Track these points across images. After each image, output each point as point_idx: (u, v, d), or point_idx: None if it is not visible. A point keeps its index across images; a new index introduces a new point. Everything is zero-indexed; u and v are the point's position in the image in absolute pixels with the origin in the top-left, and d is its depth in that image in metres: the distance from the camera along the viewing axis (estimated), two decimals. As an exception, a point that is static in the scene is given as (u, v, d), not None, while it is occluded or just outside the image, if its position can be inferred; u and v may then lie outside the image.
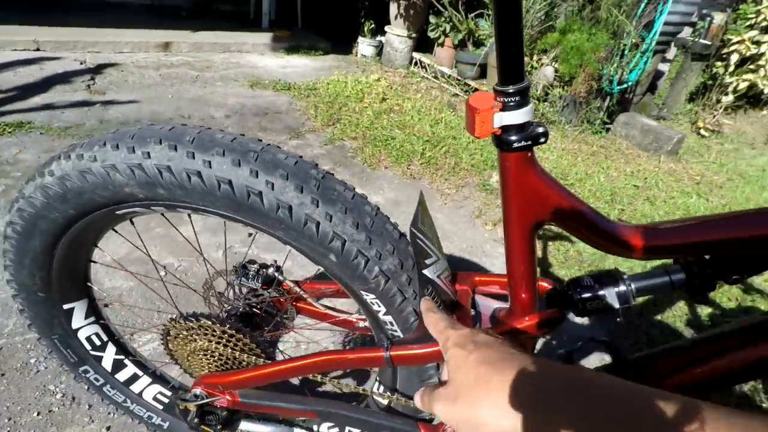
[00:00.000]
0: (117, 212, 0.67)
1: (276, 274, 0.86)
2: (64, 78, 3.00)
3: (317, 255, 0.62)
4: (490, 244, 2.10)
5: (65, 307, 0.83)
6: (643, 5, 3.16)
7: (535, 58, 3.53)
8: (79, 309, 0.86)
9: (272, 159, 0.60)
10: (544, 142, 0.53)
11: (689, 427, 0.26)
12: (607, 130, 3.56)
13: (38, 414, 1.14)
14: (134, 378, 0.98)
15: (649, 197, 2.66)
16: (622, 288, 0.60)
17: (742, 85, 3.84)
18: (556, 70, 3.42)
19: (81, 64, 3.27)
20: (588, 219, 0.56)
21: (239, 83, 3.54)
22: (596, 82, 3.29)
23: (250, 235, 1.86)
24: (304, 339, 1.30)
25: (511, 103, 0.50)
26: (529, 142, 0.52)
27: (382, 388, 0.82)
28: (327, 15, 5.14)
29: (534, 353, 0.73)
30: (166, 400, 1.00)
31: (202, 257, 0.81)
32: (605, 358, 1.43)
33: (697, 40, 3.71)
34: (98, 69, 3.27)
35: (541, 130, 0.52)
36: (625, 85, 3.38)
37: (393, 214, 2.28)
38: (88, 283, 0.85)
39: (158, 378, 1.01)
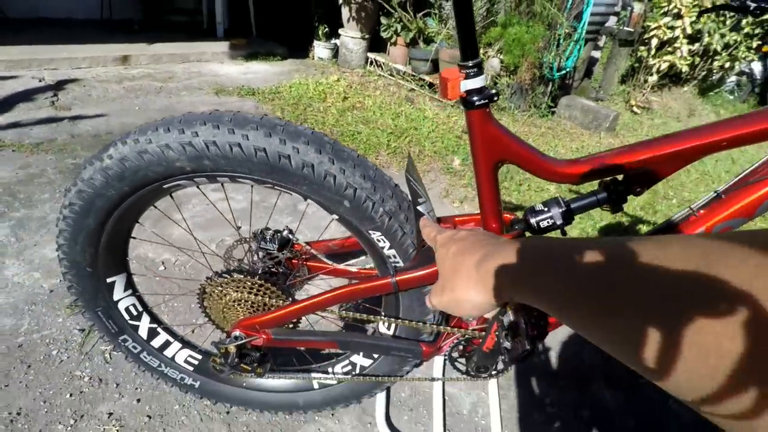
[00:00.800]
0: (164, 186, 0.82)
1: (290, 236, 1.03)
2: (26, 96, 2.98)
3: (334, 203, 0.80)
4: (458, 219, 2.33)
5: (108, 280, 0.97)
6: (572, -2, 3.51)
7: (481, 51, 3.81)
8: (119, 282, 0.99)
9: (294, 130, 0.77)
10: (497, 100, 0.73)
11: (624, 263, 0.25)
12: (553, 113, 3.90)
13: (71, 395, 1.24)
14: (167, 344, 1.11)
15: (593, 168, 2.98)
16: (564, 208, 0.82)
17: (664, 66, 4.30)
18: (502, 61, 3.72)
19: (40, 81, 3.24)
20: (535, 157, 0.77)
21: (204, 91, 3.61)
22: (538, 69, 3.61)
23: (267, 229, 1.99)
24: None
25: (471, 73, 0.70)
26: (486, 101, 0.72)
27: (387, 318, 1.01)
28: (280, 21, 5.25)
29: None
30: (196, 362, 1.14)
31: (235, 227, 0.96)
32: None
33: (621, 27, 4.13)
34: (59, 85, 3.26)
35: (493, 92, 0.73)
36: (564, 71, 3.73)
37: None
38: (127, 258, 0.98)
39: (187, 343, 1.14)
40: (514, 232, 0.85)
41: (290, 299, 0.94)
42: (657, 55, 4.32)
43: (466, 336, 0.94)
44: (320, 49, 4.89)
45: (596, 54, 4.73)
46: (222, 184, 0.85)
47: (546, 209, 0.82)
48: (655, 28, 4.16)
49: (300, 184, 0.78)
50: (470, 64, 0.69)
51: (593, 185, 0.84)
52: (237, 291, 0.93)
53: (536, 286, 0.32)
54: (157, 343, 1.09)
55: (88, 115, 2.86)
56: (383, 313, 1.00)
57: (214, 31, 5.02)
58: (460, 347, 0.98)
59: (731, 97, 5.39)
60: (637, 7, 3.97)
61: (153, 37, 4.47)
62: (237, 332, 0.91)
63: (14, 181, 2.09)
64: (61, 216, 0.85)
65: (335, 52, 4.89)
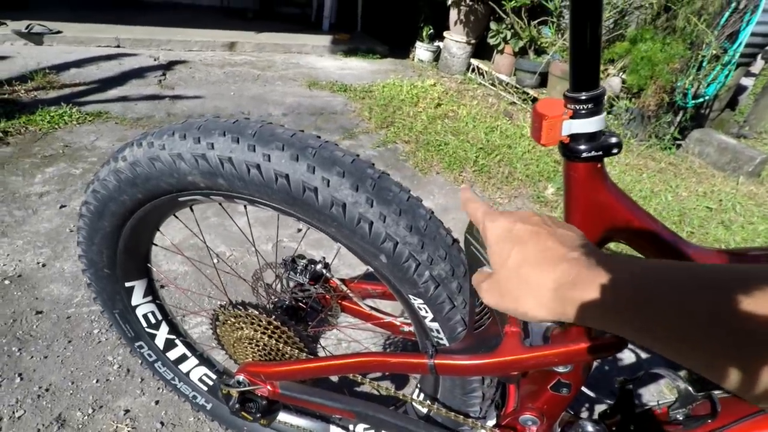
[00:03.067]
0: (179, 199, 0.70)
1: (324, 271, 0.87)
2: (139, 73, 3.23)
3: (368, 255, 0.62)
4: (540, 258, 2.02)
5: (127, 284, 0.88)
6: (727, 14, 2.92)
7: (601, 67, 3.36)
8: (138, 287, 0.90)
9: (330, 156, 0.60)
10: (617, 153, 0.49)
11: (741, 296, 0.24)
12: (678, 146, 3.33)
13: (97, 381, 1.22)
14: (183, 358, 1.02)
15: (724, 221, 2.45)
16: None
17: (840, 104, 3.46)
18: (624, 81, 3.24)
19: (155, 60, 3.51)
20: (662, 239, 0.51)
21: (298, 83, 3.64)
22: (668, 95, 3.08)
23: (299, 230, 1.90)
24: (346, 337, 1.31)
25: (583, 111, 0.47)
26: (600, 153, 0.49)
27: (422, 395, 0.80)
28: (386, 19, 5.19)
29: (586, 371, 0.68)
30: (211, 383, 1.04)
31: (254, 248, 0.83)
32: (666, 391, 1.32)
33: (788, 52, 3.39)
34: (169, 65, 3.49)
35: (614, 140, 0.49)
36: (701, 100, 3.14)
37: (442, 221, 2.24)
38: (148, 264, 0.90)
39: (205, 360, 1.05)
40: (608, 337, 0.60)
41: (308, 351, 0.78)
42: (831, 90, 3.49)
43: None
44: (421, 51, 4.73)
45: (746, 82, 3.96)
46: (244, 206, 0.71)
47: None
48: (835, 57, 3.35)
49: (327, 225, 0.61)
50: (583, 96, 0.46)
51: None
52: (250, 328, 0.79)
53: (639, 326, 0.29)
54: (173, 355, 1.01)
55: (187, 96, 3.01)
56: (417, 390, 0.80)
57: (320, 24, 5.11)
58: (510, 459, 0.74)
59: None
60: (814, 30, 3.21)
61: (262, 26, 4.65)
62: (241, 377, 0.77)
63: (109, 151, 2.22)
64: (79, 212, 0.77)
65: (437, 55, 4.70)
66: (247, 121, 0.64)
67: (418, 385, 0.81)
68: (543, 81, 3.79)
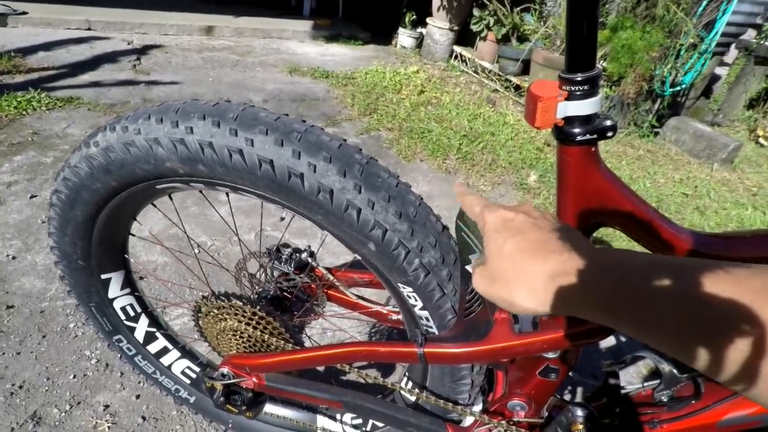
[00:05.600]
0: (157, 187, 0.67)
1: (309, 260, 0.85)
2: (112, 57, 3.10)
3: (356, 243, 0.60)
4: (523, 244, 2.04)
5: (103, 276, 0.85)
6: (704, 3, 2.97)
7: (582, 55, 3.38)
8: (115, 279, 0.87)
9: (316, 141, 0.58)
10: (612, 136, 0.48)
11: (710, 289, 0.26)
12: (656, 134, 3.39)
13: (74, 377, 1.17)
14: (164, 351, 0.99)
15: (699, 207, 2.51)
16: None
17: (809, 93, 3.57)
18: (604, 69, 3.26)
19: (128, 44, 3.37)
20: (655, 224, 0.51)
21: (278, 69, 3.56)
22: (647, 83, 3.12)
23: (282, 219, 1.87)
24: (332, 326, 1.30)
25: (578, 92, 0.46)
26: (595, 136, 0.48)
27: (410, 383, 0.80)
28: (368, 5, 5.09)
29: (574, 356, 0.68)
30: (194, 376, 1.02)
31: (237, 237, 0.80)
32: (645, 372, 1.35)
33: (762, 42, 3.46)
34: (144, 50, 3.36)
35: (608, 123, 0.48)
36: (678, 88, 3.20)
37: None
38: (126, 255, 0.86)
39: (187, 353, 1.02)
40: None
41: (293, 341, 0.76)
42: (802, 79, 3.59)
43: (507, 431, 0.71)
44: (404, 37, 4.67)
45: (720, 71, 4.05)
46: (227, 194, 0.68)
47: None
48: (806, 46, 3.44)
49: (314, 212, 0.59)
50: (579, 77, 0.45)
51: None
52: (234, 319, 0.76)
53: (620, 315, 0.30)
54: (154, 348, 0.98)
55: (163, 81, 2.90)
56: (405, 378, 0.79)
57: (301, 9, 4.99)
58: (499, 443, 0.75)
59: None
60: (787, 20, 3.30)
61: (241, 10, 4.51)
62: (225, 369, 0.75)
63: (82, 139, 2.13)
64: (50, 202, 0.73)
65: (419, 41, 4.65)
66: (229, 104, 0.61)
67: (406, 374, 0.81)
68: (525, 68, 3.79)
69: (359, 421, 0.93)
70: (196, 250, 1.61)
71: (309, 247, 0.87)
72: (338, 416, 0.96)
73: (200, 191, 0.70)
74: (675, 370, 0.68)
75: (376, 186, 0.57)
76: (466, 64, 4.25)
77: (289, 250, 0.87)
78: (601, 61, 3.30)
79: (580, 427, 0.58)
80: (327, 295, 0.90)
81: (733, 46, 3.53)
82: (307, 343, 0.94)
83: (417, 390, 0.75)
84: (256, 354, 0.75)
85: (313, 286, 0.89)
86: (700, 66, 3.13)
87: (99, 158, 0.63)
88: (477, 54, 4.19)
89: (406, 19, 4.59)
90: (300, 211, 0.61)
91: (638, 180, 2.68)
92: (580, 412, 0.58)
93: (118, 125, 0.63)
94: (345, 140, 0.62)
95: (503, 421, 0.71)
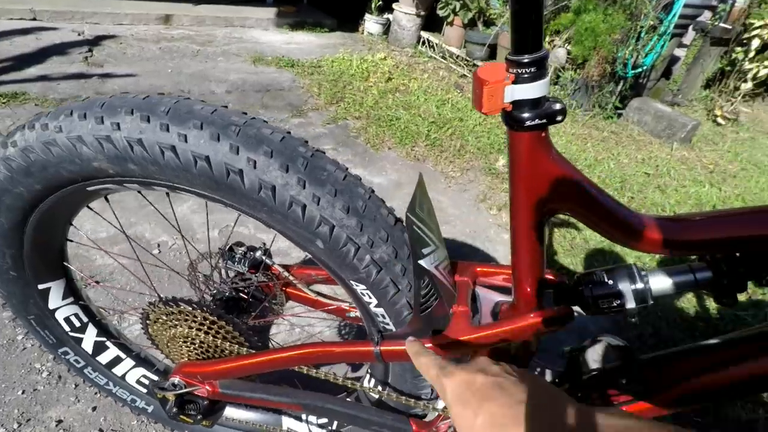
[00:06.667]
0: (88, 189, 0.61)
1: (264, 258, 0.81)
2: (61, 49, 2.92)
3: (303, 240, 0.57)
4: (494, 229, 2.05)
5: (40, 287, 0.79)
6: (663, -15, 3.01)
7: (547, 39, 3.40)
8: (55, 289, 0.81)
9: (256, 134, 0.54)
10: (561, 120, 0.46)
11: None
12: (619, 115, 3.45)
13: (23, 392, 1.11)
14: (117, 360, 0.94)
15: (660, 185, 2.58)
16: (639, 285, 0.54)
17: (763, 72, 3.69)
18: (569, 52, 3.29)
19: (79, 35, 3.18)
20: (607, 210, 0.50)
21: (241, 59, 3.44)
22: (610, 65, 3.16)
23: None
24: (299, 325, 1.26)
25: (525, 75, 0.44)
26: (544, 121, 0.46)
27: (373, 381, 0.78)
28: (334, -10, 4.97)
29: (535, 344, 0.67)
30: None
31: (182, 237, 0.75)
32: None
33: (717, 24, 3.56)
34: (96, 41, 3.18)
35: (558, 106, 0.46)
36: (639, 70, 3.26)
37: (395, 197, 2.22)
38: (65, 263, 0.80)
39: (143, 361, 0.97)
40: (556, 309, 0.59)
41: (249, 345, 0.72)
42: (756, 59, 3.71)
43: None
44: (371, 24, 4.59)
45: (679, 53, 4.15)
46: (167, 194, 0.63)
47: (611, 282, 0.56)
48: (761, 26, 3.55)
49: (257, 210, 0.56)
50: (525, 59, 0.43)
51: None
52: (184, 325, 0.72)
53: None
54: (105, 359, 0.92)
55: (118, 74, 2.76)
56: (368, 375, 0.77)
57: (264, -5, 4.83)
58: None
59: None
60: (740, 1, 3.39)
61: (200, -3, 4.33)
62: (176, 379, 0.71)
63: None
64: (-30, 209, 0.66)
65: (386, 28, 4.58)
66: (160, 96, 0.57)
67: (369, 371, 0.79)
68: (492, 53, 3.79)
69: (325, 420, 0.90)
70: (146, 252, 1.54)
71: (264, 244, 0.83)
72: (304, 416, 0.93)
73: (138, 191, 0.66)
74: (634, 353, 0.68)
75: (321, 180, 0.54)
76: (434, 50, 4.22)
77: (242, 248, 0.83)
78: (566, 45, 3.32)
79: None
80: (286, 294, 0.87)
81: (690, 27, 3.61)
82: (273, 345, 0.90)
83: (380, 387, 0.73)
84: (208, 361, 0.72)
85: (270, 284, 0.85)
86: (659, 47, 3.19)
87: (18, 160, 0.58)
88: (444, 39, 4.16)
89: (373, 5, 4.50)
90: (243, 210, 0.58)
91: (603, 161, 2.72)
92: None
93: (37, 123, 0.57)
94: (289, 132, 0.58)
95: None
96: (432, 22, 4.36)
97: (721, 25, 3.51)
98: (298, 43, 4.04)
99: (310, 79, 3.28)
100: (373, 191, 0.59)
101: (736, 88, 3.85)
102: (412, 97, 3.17)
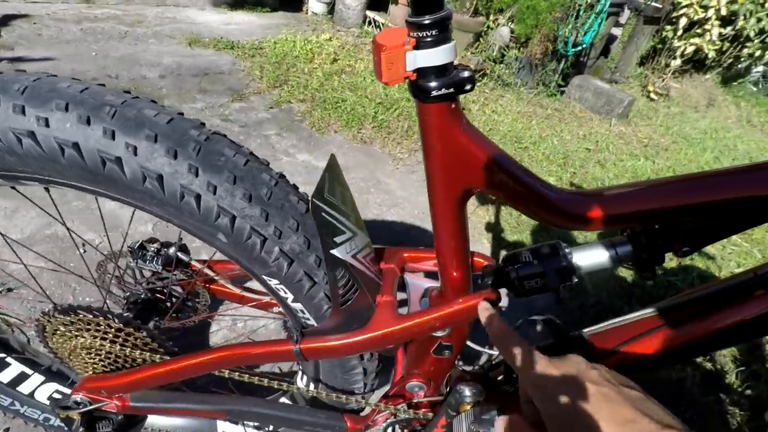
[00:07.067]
0: (-58, 186, 0.52)
1: (180, 254, 0.74)
2: (-40, 30, 2.60)
3: (204, 234, 0.51)
4: (442, 211, 2.04)
5: None
6: (599, -37, 3.07)
7: (491, 17, 3.40)
8: (-68, 304, 0.70)
9: (136, 116, 0.47)
10: (471, 89, 0.43)
11: None
12: (562, 92, 3.54)
13: None
14: (22, 377, 0.84)
15: (600, 160, 2.67)
16: (563, 264, 0.53)
17: (689, 49, 3.89)
18: (512, 31, 3.32)
19: (-18, 14, 2.84)
20: (523, 185, 0.47)
21: (176, 40, 3.21)
22: (552, 43, 3.22)
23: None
24: (243, 319, 1.19)
25: (428, 39, 0.39)
26: (452, 90, 0.42)
27: (305, 378, 0.74)
28: (274, -33, 4.73)
29: (466, 330, 0.65)
30: (66, 400, 0.88)
31: (70, 233, 0.67)
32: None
33: (649, 3, 3.70)
34: (5, 20, 2.85)
35: (466, 74, 0.42)
36: (579, 48, 3.34)
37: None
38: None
39: (54, 375, 0.87)
40: (484, 293, 0.56)
41: (164, 351, 0.66)
42: (684, 36, 3.90)
43: (402, 417, 0.67)
44: (314, 3, 4.42)
45: (616, 31, 4.30)
46: (46, 189, 0.55)
47: (536, 261, 0.54)
48: (687, 5, 3.72)
49: (146, 203, 0.49)
50: (426, 21, 0.38)
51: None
52: (86, 335, 0.65)
53: None
54: (6, 377, 0.82)
55: (32, 58, 2.49)
56: (300, 373, 0.73)
57: (198, -28, 4.52)
58: (400, 427, 0.71)
59: (754, 89, 5.00)
60: (670, -20, 3.53)
61: (126, -27, 3.99)
62: (78, 396, 0.64)
63: None
64: None
65: (331, 7, 4.42)
66: (16, 74, 0.48)
67: (300, 369, 0.74)
68: (439, 33, 3.75)
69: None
70: (31, 255, 1.41)
71: (180, 239, 0.76)
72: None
73: (12, 187, 0.56)
74: (563, 330, 0.67)
75: (217, 166, 0.48)
76: (380, 30, 4.12)
77: (154, 245, 0.75)
78: (510, 23, 3.34)
79: (468, 407, 0.55)
80: (209, 291, 0.80)
81: (626, 6, 3.73)
82: (216, 344, 0.84)
83: (311, 385, 0.69)
84: (113, 374, 0.64)
85: (191, 282, 0.78)
86: (597, 26, 3.27)
87: None
88: (390, 19, 4.08)
89: (315, -17, 4.33)
90: (133, 203, 0.51)
91: (547, 138, 2.78)
92: (468, 392, 0.55)
93: None
94: (181, 113, 0.51)
95: (403, 405, 0.67)
96: (378, 2, 4.25)
97: (653, 4, 3.65)
98: (238, 24, 3.83)
99: (252, 61, 3.12)
100: (282, 176, 0.54)
101: (667, 65, 4.04)
102: (359, 78, 3.09)
